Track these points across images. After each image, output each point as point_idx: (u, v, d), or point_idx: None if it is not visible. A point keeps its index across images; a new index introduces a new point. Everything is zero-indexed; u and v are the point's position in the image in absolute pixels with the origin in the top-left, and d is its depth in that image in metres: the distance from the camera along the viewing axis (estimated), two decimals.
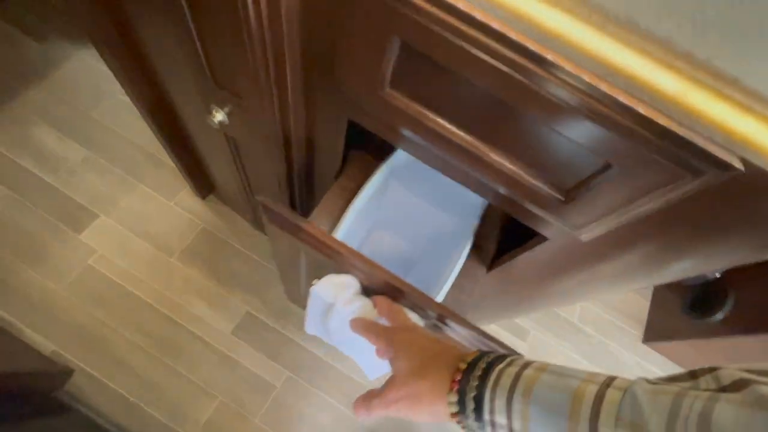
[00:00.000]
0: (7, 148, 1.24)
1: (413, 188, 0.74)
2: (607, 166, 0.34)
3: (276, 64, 0.46)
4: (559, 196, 0.41)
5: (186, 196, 1.28)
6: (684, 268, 0.44)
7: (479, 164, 0.45)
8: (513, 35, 0.28)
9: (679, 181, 0.30)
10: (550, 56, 0.27)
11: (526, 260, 0.59)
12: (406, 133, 0.47)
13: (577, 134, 0.32)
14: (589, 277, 0.55)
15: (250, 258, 1.23)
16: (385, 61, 0.39)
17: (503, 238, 0.71)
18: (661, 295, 1.38)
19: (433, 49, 0.34)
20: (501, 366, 0.32)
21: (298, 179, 0.74)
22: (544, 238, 0.51)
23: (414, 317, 0.48)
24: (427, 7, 0.31)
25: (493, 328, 1.27)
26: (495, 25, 0.28)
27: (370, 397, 0.39)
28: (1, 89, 1.30)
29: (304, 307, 1.04)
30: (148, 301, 1.14)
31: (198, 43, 0.50)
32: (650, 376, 0.27)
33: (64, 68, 1.38)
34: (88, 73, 1.38)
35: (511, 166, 0.42)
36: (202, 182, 1.19)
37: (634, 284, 0.54)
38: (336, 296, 0.50)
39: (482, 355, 0.35)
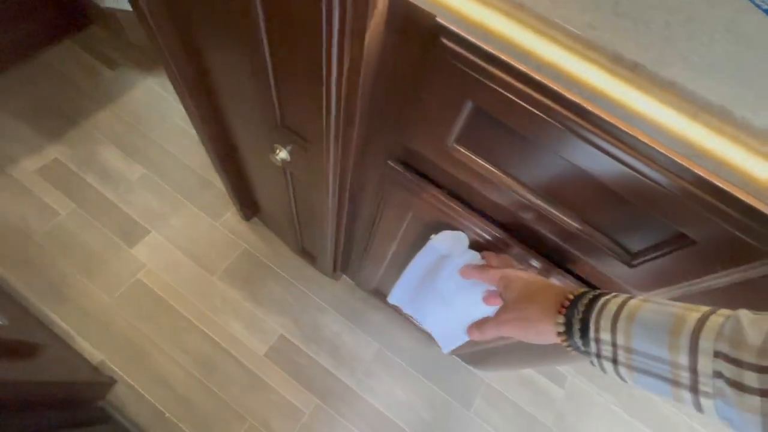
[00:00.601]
0: (76, 165, 1.34)
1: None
2: (681, 236, 0.34)
3: (346, 114, 0.49)
4: (625, 257, 0.41)
5: (231, 217, 1.34)
6: None
7: (539, 219, 0.45)
8: (598, 112, 0.29)
9: (765, 260, 0.29)
10: (637, 134, 0.28)
11: None
12: (465, 181, 0.48)
13: (654, 205, 0.33)
14: None
15: (288, 281, 1.26)
16: (455, 121, 0.41)
17: None
18: None
19: (507, 116, 0.36)
20: (607, 297, 0.34)
21: (348, 208, 0.76)
22: None
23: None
24: (506, 77, 0.32)
25: (528, 371, 1.23)
26: (576, 100, 0.29)
27: (483, 321, 0.44)
28: (75, 111, 1.43)
29: (370, 292, 1.15)
30: (189, 318, 1.18)
31: (274, 90, 0.54)
32: None
33: (131, 93, 1.50)
34: (151, 99, 1.49)
35: (573, 224, 0.43)
36: (247, 205, 1.24)
37: None
38: (452, 248, 0.57)
39: (589, 290, 0.37)
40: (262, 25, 0.45)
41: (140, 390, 1.08)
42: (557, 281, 0.52)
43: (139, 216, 1.30)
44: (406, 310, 0.77)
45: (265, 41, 0.47)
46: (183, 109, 1.44)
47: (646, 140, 0.29)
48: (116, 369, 1.09)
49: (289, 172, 0.75)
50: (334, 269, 1.12)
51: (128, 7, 1.53)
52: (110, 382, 1.05)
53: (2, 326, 0.89)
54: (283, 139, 0.64)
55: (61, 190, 1.30)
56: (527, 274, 0.46)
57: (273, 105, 0.58)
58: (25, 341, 0.87)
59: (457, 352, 1.05)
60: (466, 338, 0.72)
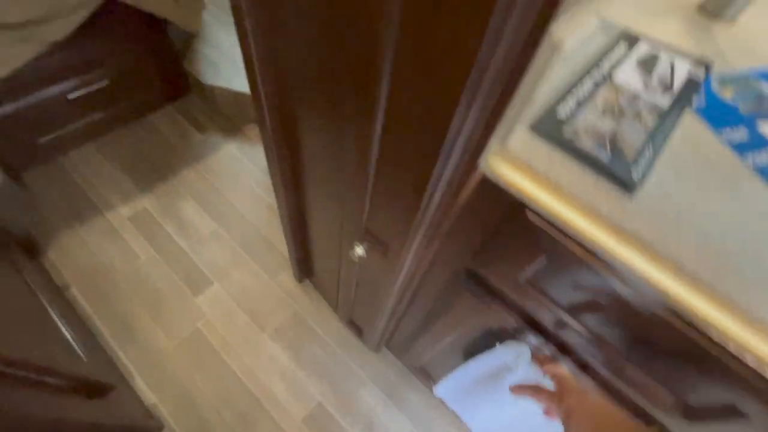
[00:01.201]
0: (159, 214, 1.52)
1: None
2: (736, 412, 0.38)
3: (430, 238, 0.57)
4: (679, 413, 0.44)
5: (286, 278, 1.44)
6: None
7: (598, 358, 0.50)
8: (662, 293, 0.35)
9: None
10: (696, 324, 0.34)
11: None
12: (529, 311, 0.54)
13: (710, 376, 0.37)
14: None
15: (331, 348, 1.32)
16: (528, 266, 0.48)
17: None
18: None
19: (577, 271, 0.43)
20: None
21: (408, 300, 0.83)
22: None
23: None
24: (580, 251, 0.40)
25: None
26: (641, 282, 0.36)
27: None
28: (167, 167, 1.64)
29: (414, 369, 1.17)
30: (237, 373, 1.24)
31: (367, 202, 0.64)
32: None
33: (215, 155, 1.71)
34: (232, 162, 1.69)
35: (630, 369, 0.47)
36: (304, 270, 1.34)
37: None
38: (515, 363, 0.60)
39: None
40: (373, 160, 0.55)
41: None
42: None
43: (205, 267, 1.43)
44: (452, 407, 0.79)
45: (373, 165, 0.56)
46: (257, 173, 1.61)
47: (700, 325, 0.34)
48: (166, 414, 1.16)
49: (360, 264, 0.84)
50: (379, 345, 1.17)
51: (224, 84, 1.77)
52: (159, 427, 1.11)
53: (84, 362, 1.00)
54: (362, 239, 0.73)
55: (144, 236, 1.47)
56: (591, 401, 0.47)
57: (362, 212, 0.68)
58: (100, 381, 0.97)
59: None
60: None
